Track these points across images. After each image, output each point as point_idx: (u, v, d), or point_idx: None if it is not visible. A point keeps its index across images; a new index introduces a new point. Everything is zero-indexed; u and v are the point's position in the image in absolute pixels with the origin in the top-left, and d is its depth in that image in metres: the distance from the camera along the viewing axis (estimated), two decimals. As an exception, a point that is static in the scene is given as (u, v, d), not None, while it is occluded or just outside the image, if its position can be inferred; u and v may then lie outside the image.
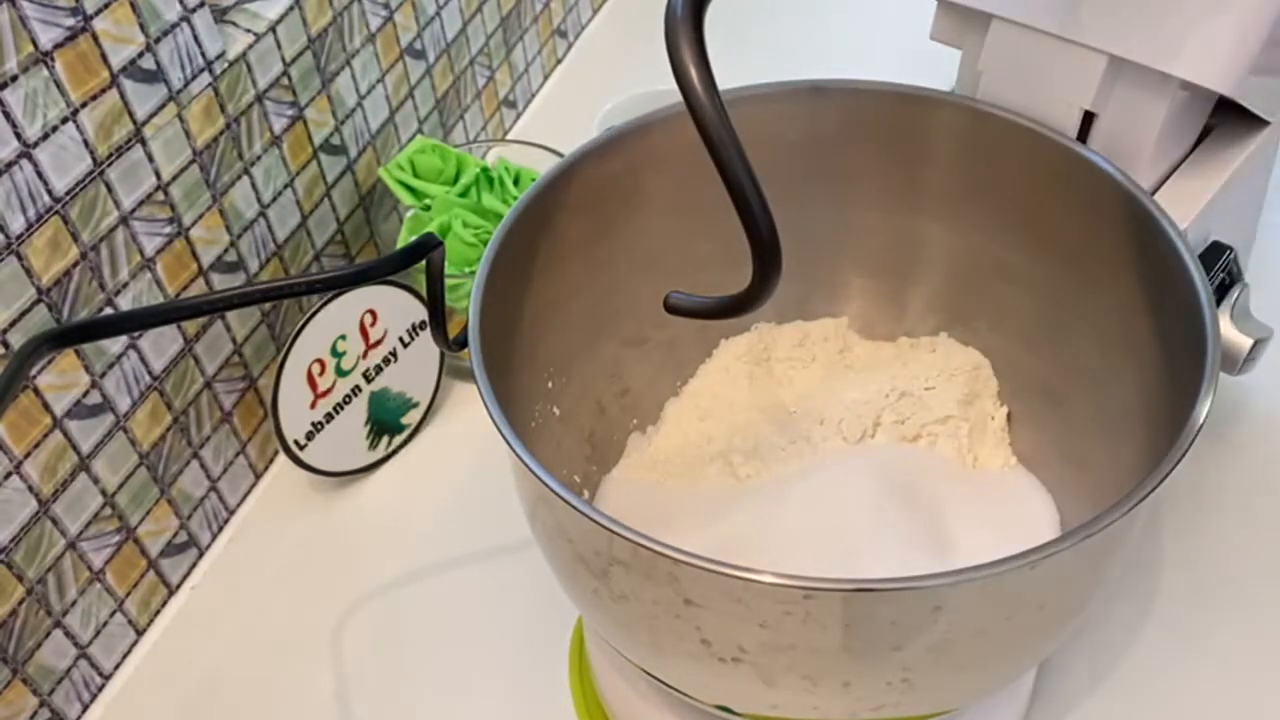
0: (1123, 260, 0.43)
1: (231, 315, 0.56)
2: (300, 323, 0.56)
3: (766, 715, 0.38)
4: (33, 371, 0.46)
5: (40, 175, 0.44)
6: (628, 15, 0.96)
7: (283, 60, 0.56)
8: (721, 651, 0.35)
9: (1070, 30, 0.43)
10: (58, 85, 0.44)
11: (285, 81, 0.57)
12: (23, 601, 0.47)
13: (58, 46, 0.43)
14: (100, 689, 0.53)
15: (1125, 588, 0.52)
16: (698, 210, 0.46)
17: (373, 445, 0.61)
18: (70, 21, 0.44)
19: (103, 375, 0.49)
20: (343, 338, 0.58)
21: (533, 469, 0.34)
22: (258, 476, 0.61)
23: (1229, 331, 0.46)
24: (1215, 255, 0.46)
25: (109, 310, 0.49)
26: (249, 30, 0.54)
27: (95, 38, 0.45)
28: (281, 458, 0.62)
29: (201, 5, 0.50)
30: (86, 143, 0.46)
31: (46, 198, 0.44)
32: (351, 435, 0.60)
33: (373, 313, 0.59)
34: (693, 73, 0.30)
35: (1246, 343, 0.46)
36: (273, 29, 0.55)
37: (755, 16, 0.91)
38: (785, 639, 0.33)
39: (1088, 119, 0.45)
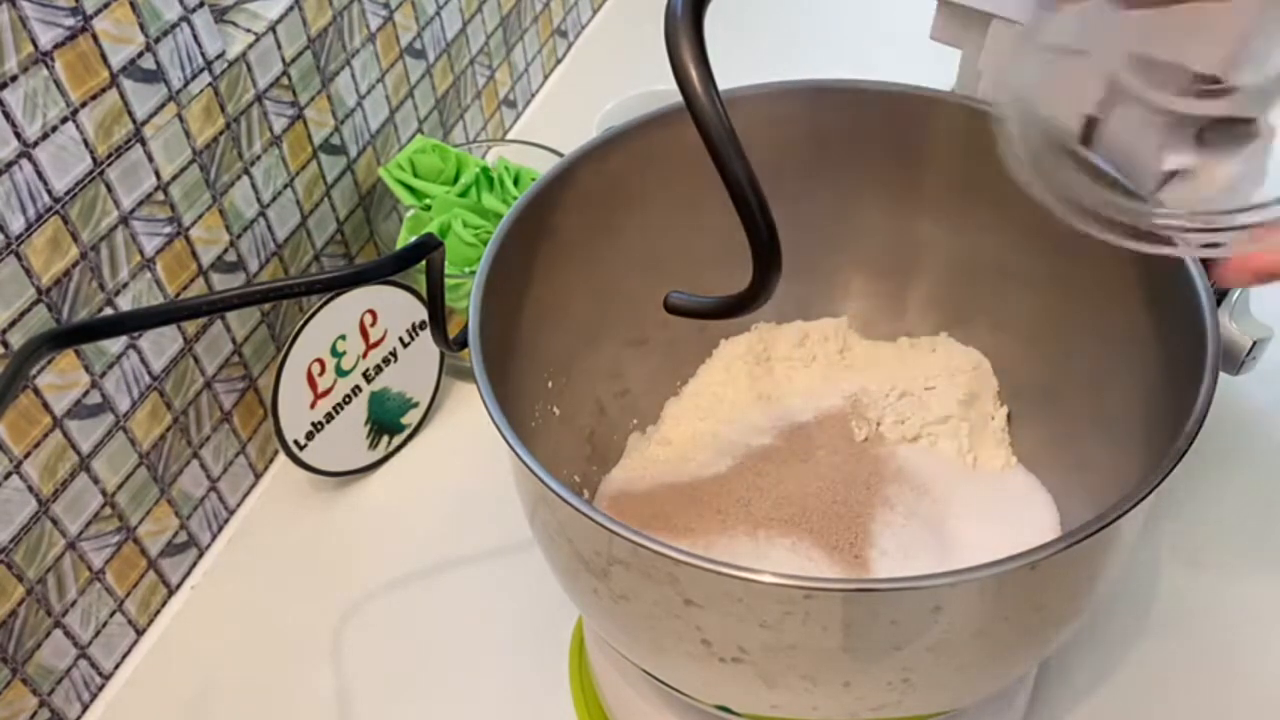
0: (1123, 260, 0.43)
1: (231, 315, 0.56)
2: (300, 323, 0.56)
3: (766, 715, 0.38)
4: (33, 371, 0.46)
5: (40, 175, 0.44)
6: (628, 15, 0.96)
7: (283, 60, 0.56)
8: (722, 651, 0.35)
9: (1070, 30, 0.43)
10: (58, 85, 0.44)
11: (285, 81, 0.57)
12: (23, 601, 0.47)
13: (58, 46, 0.43)
14: (100, 689, 0.53)
15: (1125, 588, 0.52)
16: (698, 210, 0.46)
17: (373, 445, 0.61)
18: (70, 21, 0.44)
19: (103, 375, 0.49)
20: (343, 338, 0.58)
21: (533, 469, 0.34)
22: (258, 476, 0.61)
23: (1229, 331, 0.46)
24: (1215, 255, 0.46)
25: (109, 310, 0.49)
26: (249, 30, 0.54)
27: (95, 38, 0.45)
28: (281, 458, 0.62)
29: (201, 5, 0.50)
30: (86, 142, 0.46)
31: (46, 198, 0.44)
32: (351, 435, 0.60)
33: (373, 313, 0.59)
34: (693, 73, 0.30)
35: (1246, 343, 0.46)
36: (273, 29, 0.55)
37: (755, 16, 0.91)
38: (786, 639, 0.33)
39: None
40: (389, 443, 0.62)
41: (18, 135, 0.43)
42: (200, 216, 0.53)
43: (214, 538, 0.59)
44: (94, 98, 0.46)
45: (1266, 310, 0.49)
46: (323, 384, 0.58)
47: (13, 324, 0.44)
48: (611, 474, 0.51)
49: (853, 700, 0.36)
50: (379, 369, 0.60)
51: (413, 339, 0.62)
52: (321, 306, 0.56)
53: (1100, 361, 0.45)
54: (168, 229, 0.51)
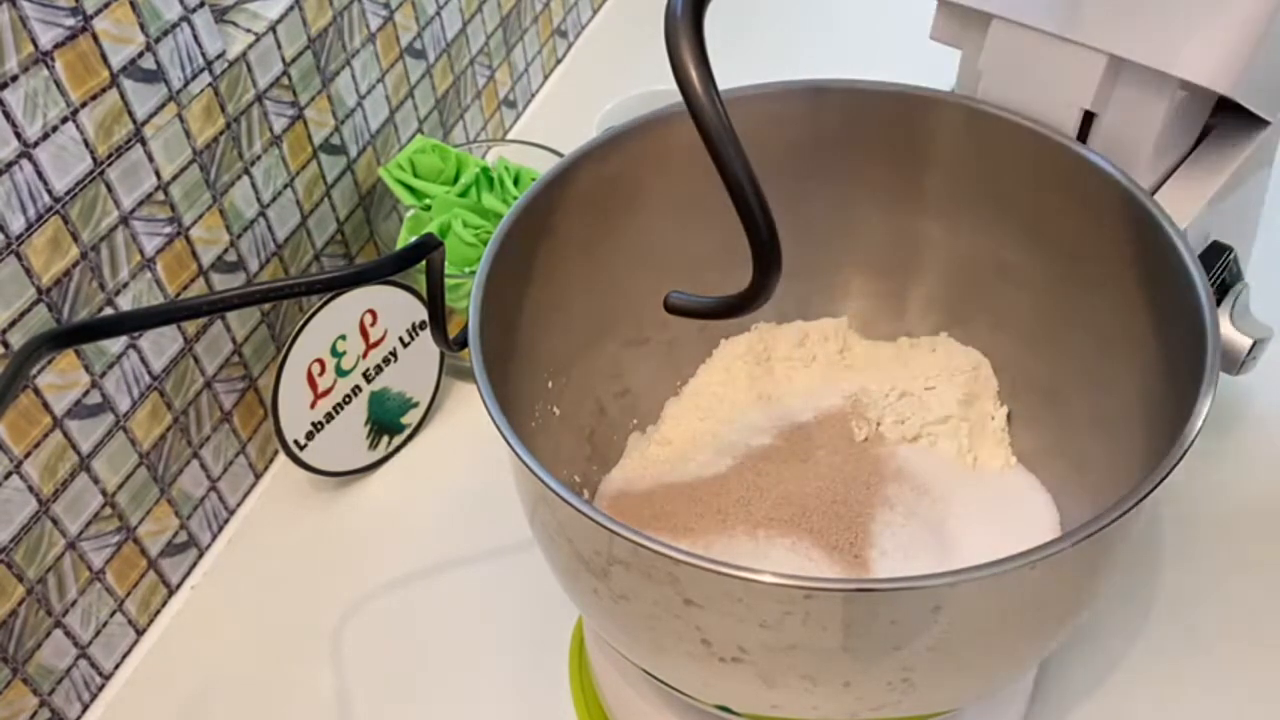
0: (1123, 260, 0.43)
1: (231, 315, 0.56)
2: (300, 323, 0.56)
3: (767, 715, 0.38)
4: (33, 371, 0.46)
5: (40, 175, 0.44)
6: (628, 15, 0.96)
7: (283, 60, 0.56)
8: (722, 651, 0.35)
9: (1070, 30, 0.43)
10: (58, 85, 0.44)
11: (285, 81, 0.57)
12: (23, 601, 0.47)
13: (58, 46, 0.43)
14: (100, 689, 0.53)
15: (1125, 588, 0.52)
16: (698, 210, 0.46)
17: (373, 445, 0.61)
18: (70, 21, 0.44)
19: (103, 375, 0.49)
20: (343, 338, 0.58)
21: (533, 469, 0.34)
22: (258, 476, 0.61)
23: (1229, 331, 0.46)
24: (1215, 255, 0.46)
25: (109, 310, 0.49)
26: (249, 30, 0.54)
27: (95, 37, 0.45)
28: (281, 458, 0.62)
29: (201, 5, 0.50)
30: (86, 142, 0.46)
31: (46, 198, 0.44)
32: (351, 435, 0.60)
33: (373, 313, 0.59)
34: (693, 73, 0.30)
35: (1246, 343, 0.46)
36: (273, 29, 0.55)
37: (756, 16, 0.91)
38: (786, 639, 0.33)
39: (1088, 119, 0.45)
40: (389, 443, 0.62)
41: (18, 135, 0.43)
42: (200, 216, 0.53)
43: (214, 538, 0.59)
44: (94, 98, 0.46)
45: (1266, 310, 0.49)
46: (323, 384, 0.58)
47: (13, 324, 0.44)
48: (611, 474, 0.51)
49: (853, 700, 0.36)
50: (379, 369, 0.60)
51: (413, 339, 0.62)
52: (321, 306, 0.56)
53: (1100, 361, 0.45)
54: (168, 229, 0.51)
